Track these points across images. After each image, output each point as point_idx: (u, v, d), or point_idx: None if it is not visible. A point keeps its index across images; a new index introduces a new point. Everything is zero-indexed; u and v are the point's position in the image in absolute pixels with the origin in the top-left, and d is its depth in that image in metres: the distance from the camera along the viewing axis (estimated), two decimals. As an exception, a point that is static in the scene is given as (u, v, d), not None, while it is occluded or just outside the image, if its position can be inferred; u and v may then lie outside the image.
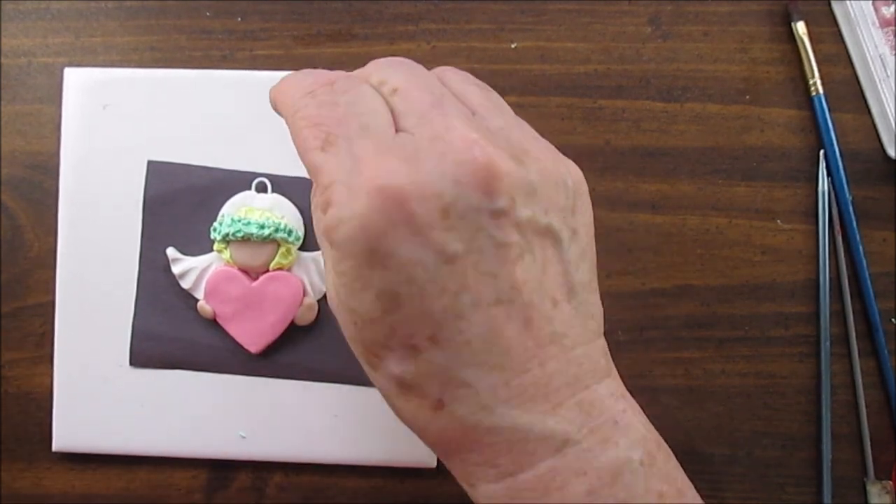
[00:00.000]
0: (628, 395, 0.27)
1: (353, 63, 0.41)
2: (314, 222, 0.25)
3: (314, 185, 0.25)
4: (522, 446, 0.24)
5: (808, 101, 0.41)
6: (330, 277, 0.25)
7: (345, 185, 0.23)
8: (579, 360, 0.25)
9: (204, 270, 0.39)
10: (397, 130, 0.24)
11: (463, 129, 0.23)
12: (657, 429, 0.27)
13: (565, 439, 0.24)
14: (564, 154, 0.27)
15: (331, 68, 0.41)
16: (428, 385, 0.24)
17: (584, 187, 0.27)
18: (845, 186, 0.40)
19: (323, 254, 0.25)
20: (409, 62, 0.27)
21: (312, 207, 0.25)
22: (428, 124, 0.24)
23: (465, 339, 0.23)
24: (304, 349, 0.40)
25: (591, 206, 0.27)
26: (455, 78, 0.28)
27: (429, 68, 0.41)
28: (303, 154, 0.25)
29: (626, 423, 0.25)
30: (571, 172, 0.26)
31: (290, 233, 0.38)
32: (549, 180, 0.25)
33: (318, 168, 0.24)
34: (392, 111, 0.25)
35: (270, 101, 0.29)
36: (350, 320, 0.24)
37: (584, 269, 0.26)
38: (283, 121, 0.37)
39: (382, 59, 0.27)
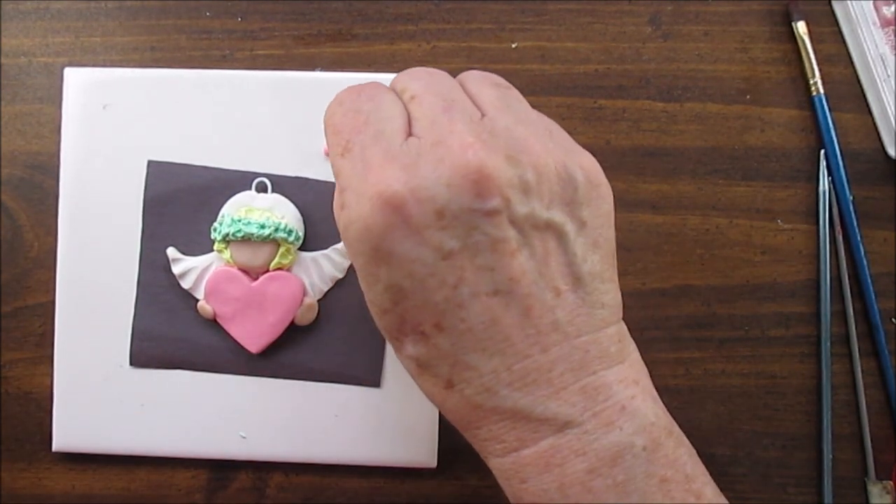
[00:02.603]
0: (645, 381, 0.28)
1: (353, 63, 0.41)
2: (336, 220, 0.28)
3: (336, 186, 0.27)
4: (525, 425, 0.26)
5: (809, 100, 0.41)
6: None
7: (354, 190, 0.26)
8: (585, 346, 0.26)
9: (204, 270, 0.39)
10: (411, 135, 0.26)
11: (463, 133, 0.26)
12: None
13: (567, 421, 0.25)
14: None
15: (331, 68, 0.42)
16: (439, 367, 0.26)
17: (600, 178, 0.28)
18: (846, 186, 0.40)
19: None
20: (435, 71, 0.29)
21: (334, 207, 0.28)
22: (435, 129, 0.26)
23: (467, 326, 0.25)
24: (304, 349, 0.40)
25: (610, 197, 0.29)
26: (474, 80, 0.29)
27: (429, 68, 0.41)
28: (330, 158, 0.28)
29: (633, 408, 0.26)
30: (584, 165, 0.28)
31: (290, 233, 0.38)
32: (548, 176, 0.26)
33: (338, 172, 0.27)
34: (409, 117, 0.27)
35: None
36: (371, 310, 0.27)
37: (595, 259, 0.27)
38: (282, 120, 0.40)
39: (411, 69, 0.29)
